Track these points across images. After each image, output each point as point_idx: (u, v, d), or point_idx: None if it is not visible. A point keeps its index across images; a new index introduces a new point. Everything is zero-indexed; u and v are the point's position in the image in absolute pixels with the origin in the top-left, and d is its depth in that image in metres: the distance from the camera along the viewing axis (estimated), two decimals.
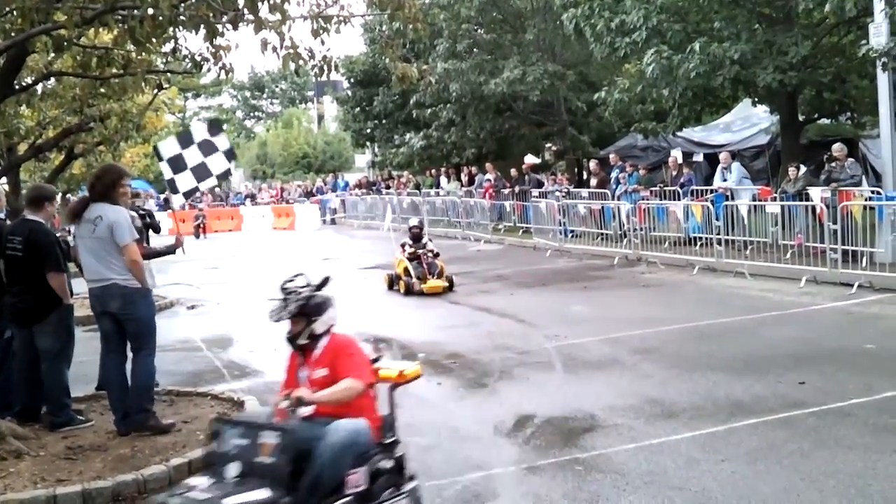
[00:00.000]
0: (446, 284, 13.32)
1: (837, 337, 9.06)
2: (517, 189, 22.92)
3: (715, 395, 6.99)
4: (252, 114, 74.21)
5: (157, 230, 15.39)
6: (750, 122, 22.03)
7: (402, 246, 14.28)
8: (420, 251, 13.94)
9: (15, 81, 7.36)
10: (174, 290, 14.83)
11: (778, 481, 5.10)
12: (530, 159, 25.53)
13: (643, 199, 17.37)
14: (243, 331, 11.17)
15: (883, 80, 13.10)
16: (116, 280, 6.38)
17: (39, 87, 10.80)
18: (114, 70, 8.04)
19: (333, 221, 33.81)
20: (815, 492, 4.92)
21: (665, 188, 17.94)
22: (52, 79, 10.56)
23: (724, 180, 16.45)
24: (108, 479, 5.45)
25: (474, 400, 7.33)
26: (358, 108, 34.89)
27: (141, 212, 12.12)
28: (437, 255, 13.97)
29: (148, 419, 6.46)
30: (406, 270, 13.67)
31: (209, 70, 7.88)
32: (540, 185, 22.66)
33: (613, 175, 19.85)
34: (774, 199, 14.47)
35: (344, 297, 13.77)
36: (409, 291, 13.23)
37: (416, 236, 14.37)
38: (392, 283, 13.98)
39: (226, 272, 18.66)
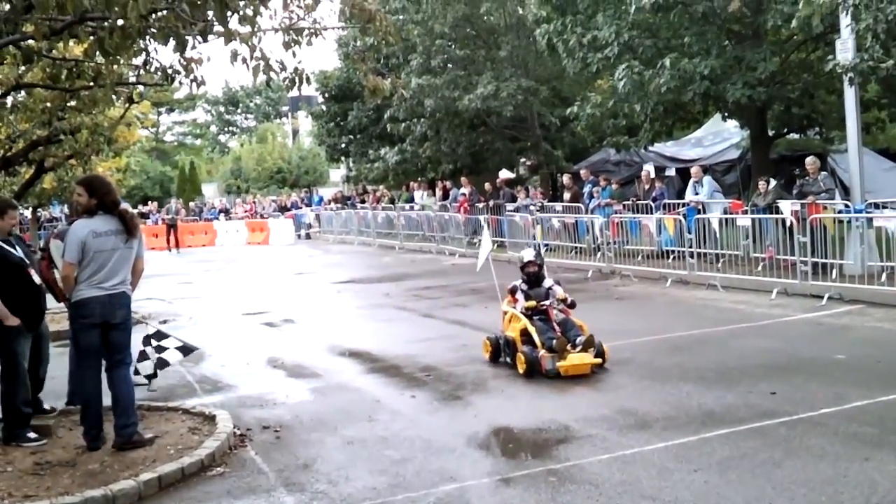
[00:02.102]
0: (597, 361, 8.30)
1: (808, 348, 9.15)
2: (492, 203, 22.97)
3: (687, 405, 7.02)
4: (226, 129, 73.92)
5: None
6: (721, 136, 22.29)
7: (513, 293, 9.28)
8: (544, 302, 8.89)
9: None
10: (147, 305, 14.69)
11: (749, 490, 5.13)
12: (504, 174, 25.62)
13: (616, 213, 17.48)
14: (216, 345, 11.06)
15: (850, 95, 13.32)
16: (125, 289, 6.48)
17: (9, 100, 10.70)
18: (84, 82, 7.99)
19: (308, 236, 33.71)
20: (786, 500, 4.95)
21: (638, 202, 18.07)
22: (23, 92, 10.48)
23: (696, 194, 16.60)
24: (77, 495, 5.37)
25: (448, 412, 7.31)
26: (332, 123, 34.85)
27: None
28: (572, 305, 9.00)
29: (133, 433, 6.40)
30: (526, 336, 8.55)
31: (180, 83, 7.86)
32: (514, 199, 22.73)
33: (586, 189, 19.97)
34: (745, 213, 14.63)
35: (318, 312, 13.79)
36: (535, 370, 8.17)
37: (534, 277, 9.19)
38: (498, 351, 8.92)
39: (199, 287, 18.50)
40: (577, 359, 8.16)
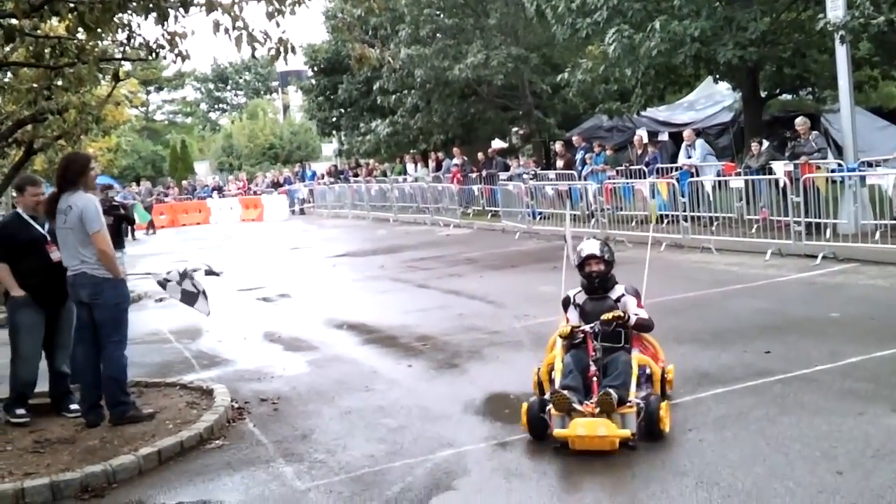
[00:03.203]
0: (623, 434, 5.25)
1: (802, 307, 9.17)
2: (484, 173, 22.93)
3: (682, 366, 7.03)
4: (216, 106, 73.43)
5: (131, 222, 15.30)
6: (713, 99, 22.21)
7: (566, 306, 6.49)
8: (584, 327, 6.00)
9: None
10: (142, 284, 14.65)
11: (745, 447, 5.16)
12: (497, 143, 25.55)
13: (609, 179, 17.45)
14: (212, 322, 11.04)
15: (841, 53, 13.24)
16: (85, 269, 6.37)
17: None
18: (67, 59, 7.91)
19: (302, 211, 33.65)
20: (781, 455, 4.98)
21: (631, 167, 18.03)
22: (8, 73, 10.38)
23: (689, 157, 16.58)
24: (77, 471, 5.39)
25: (445, 380, 7.34)
26: (322, 97, 34.66)
27: (115, 203, 11.99)
28: (641, 327, 6.12)
29: (127, 410, 6.41)
30: (549, 379, 6.02)
31: (165, 58, 7.80)
32: (506, 168, 22.68)
33: (579, 156, 19.92)
34: (739, 175, 14.60)
35: (314, 286, 13.80)
36: (540, 433, 5.52)
37: (598, 282, 6.27)
38: (541, 387, 6.17)
39: (194, 265, 18.42)
40: (586, 427, 5.18)
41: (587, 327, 5.89)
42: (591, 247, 6.27)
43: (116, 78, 9.70)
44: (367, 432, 6.02)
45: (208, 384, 7.30)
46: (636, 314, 6.02)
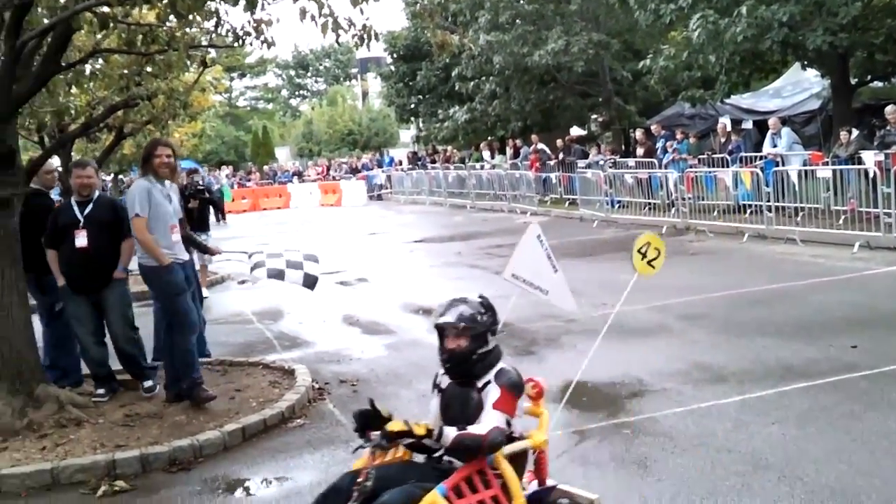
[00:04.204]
0: None
1: (891, 301, 8.87)
2: (563, 160, 22.76)
3: (764, 359, 6.91)
4: (297, 92, 74.64)
5: (217, 206, 15.71)
6: (800, 87, 21.52)
7: (434, 387, 4.14)
8: (373, 442, 3.58)
9: (62, 60, 7.50)
10: (226, 266, 15.05)
11: (829, 443, 5.05)
12: (576, 131, 25.33)
13: (691, 168, 17.13)
14: (293, 304, 11.31)
15: None
16: (138, 256, 6.56)
17: (88, 68, 10.99)
18: (158, 47, 8.15)
19: (380, 197, 33.96)
20: (866, 452, 4.86)
21: (713, 156, 17.66)
22: (100, 59, 10.74)
23: (774, 146, 16.13)
24: (165, 445, 5.61)
25: (521, 367, 7.18)
26: (401, 84, 34.87)
27: (200, 186, 12.32)
28: (467, 449, 3.54)
29: (192, 390, 6.53)
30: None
31: (251, 45, 7.96)
32: (585, 155, 22.47)
33: (660, 144, 19.60)
34: (826, 164, 14.16)
35: (391, 271, 13.94)
36: None
37: (453, 361, 3.89)
38: None
39: (275, 248, 18.84)
40: None
41: (371, 438, 3.57)
42: (450, 313, 3.87)
43: (204, 64, 9.95)
44: None
45: (290, 364, 7.47)
46: (461, 432, 3.49)
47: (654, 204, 17.57)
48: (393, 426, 3.49)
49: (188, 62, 9.58)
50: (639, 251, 4.69)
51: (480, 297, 3.95)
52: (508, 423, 3.70)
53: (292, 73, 73.13)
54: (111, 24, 7.24)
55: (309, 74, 73.81)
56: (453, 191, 27.82)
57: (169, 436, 5.83)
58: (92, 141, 14.52)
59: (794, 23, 14.47)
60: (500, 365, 3.86)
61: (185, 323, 6.56)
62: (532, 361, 7.48)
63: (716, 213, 15.76)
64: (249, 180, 38.70)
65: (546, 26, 24.41)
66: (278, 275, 7.82)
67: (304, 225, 24.90)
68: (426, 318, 9.71)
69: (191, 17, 7.00)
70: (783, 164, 15.02)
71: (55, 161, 8.38)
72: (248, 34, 7.71)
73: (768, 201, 14.02)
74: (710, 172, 16.41)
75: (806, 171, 14.19)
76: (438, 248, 16.87)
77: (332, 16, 6.36)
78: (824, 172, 13.67)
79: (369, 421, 3.62)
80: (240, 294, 12.67)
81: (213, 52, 10.84)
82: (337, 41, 6.98)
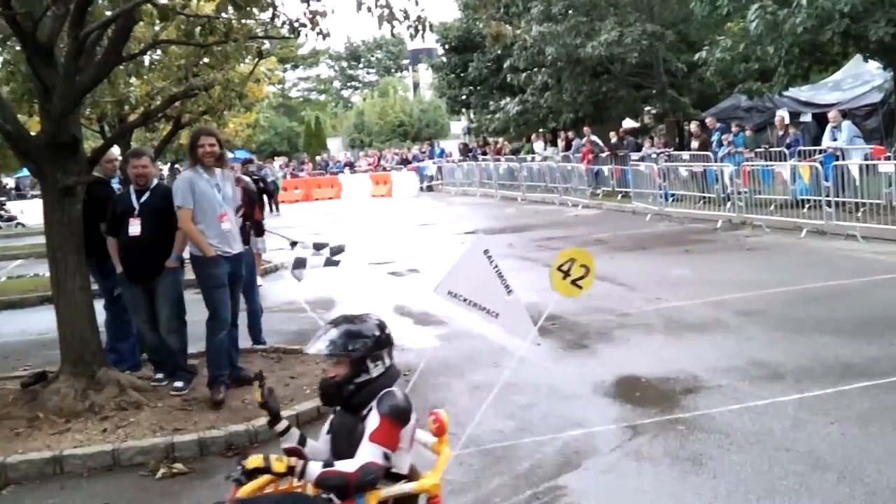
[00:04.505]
0: None
1: None
2: (616, 153, 22.54)
3: (823, 357, 6.77)
4: (349, 83, 75.14)
5: (270, 195, 15.89)
6: (861, 79, 20.95)
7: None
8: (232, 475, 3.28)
9: (123, 51, 7.64)
10: (279, 255, 15.23)
11: (891, 443, 4.93)
12: (628, 123, 25.07)
13: (747, 162, 16.83)
14: (345, 293, 11.42)
15: None
16: (189, 247, 6.63)
17: (147, 59, 11.20)
18: (216, 38, 8.26)
19: (430, 188, 34.03)
20: None
21: (770, 149, 17.32)
22: (159, 50, 10.93)
23: (834, 140, 15.76)
24: (222, 429, 5.70)
25: (574, 360, 7.31)
26: (453, 75, 34.89)
27: (254, 177, 12.49)
28: (334, 487, 3.21)
29: (210, 385, 6.51)
30: None
31: (306, 36, 8.03)
32: (638, 148, 22.23)
33: (715, 137, 19.29)
34: (888, 159, 13.79)
35: (442, 262, 13.94)
36: None
37: (328, 391, 3.50)
38: None
39: (327, 238, 19.00)
40: None
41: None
42: (322, 339, 3.42)
43: (260, 56, 10.04)
44: (497, 407, 6.07)
45: None
46: (325, 469, 3.18)
47: (709, 198, 17.30)
48: (250, 462, 3.14)
49: (244, 53, 9.71)
50: (559, 269, 4.08)
51: (373, 316, 3.48)
52: (387, 457, 3.22)
53: (344, 64, 73.64)
54: (171, 17, 7.38)
55: (361, 65, 74.25)
56: (504, 183, 27.74)
57: (225, 420, 5.93)
58: (150, 131, 14.79)
59: (855, 13, 14.09)
60: (390, 389, 3.35)
61: (217, 318, 6.55)
62: (584, 355, 7.43)
63: (772, 207, 15.46)
64: (302, 170, 39.08)
65: (599, 17, 24.18)
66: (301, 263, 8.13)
67: (356, 215, 25.07)
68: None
69: (248, 8, 7.09)
70: (843, 159, 14.67)
71: (116, 150, 8.53)
72: (304, 25, 7.78)
73: (828, 196, 13.71)
74: (767, 166, 16.11)
75: (867, 166, 13.84)
76: (489, 239, 16.62)
77: (388, 7, 6.37)
78: (886, 167, 13.31)
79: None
80: (293, 283, 12.76)
81: (267, 44, 10.94)
82: (392, 32, 6.99)
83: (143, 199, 6.87)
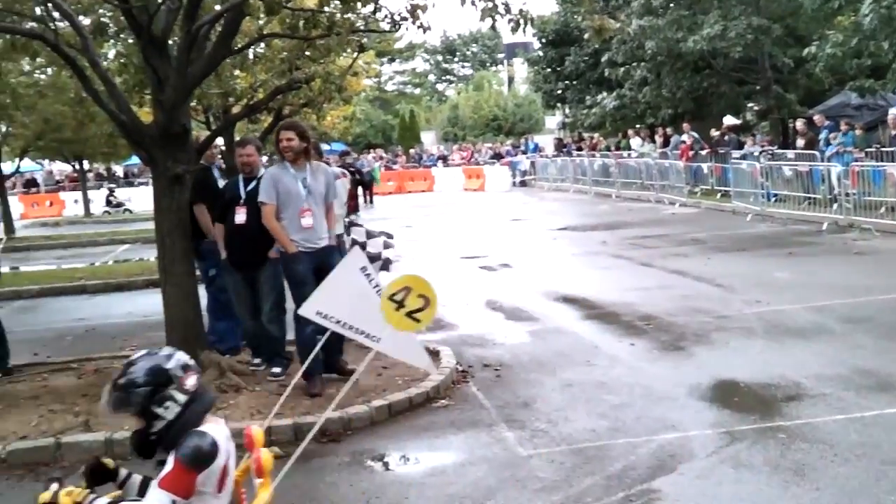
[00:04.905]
0: None
1: None
2: (716, 150, 21.97)
3: None
4: (444, 77, 75.46)
5: (366, 186, 16.10)
6: None
7: None
8: None
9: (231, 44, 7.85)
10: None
11: None
12: (729, 120, 24.37)
13: (857, 161, 16.15)
14: (436, 286, 11.44)
15: None
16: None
17: (251, 52, 11.48)
18: (319, 31, 8.40)
19: (524, 183, 33.88)
20: None
21: (882, 149, 16.57)
22: (263, 43, 11.20)
23: None
24: (317, 415, 5.80)
25: (669, 362, 7.16)
26: (549, 69, 34.62)
27: (351, 168, 12.69)
28: None
29: (309, 379, 6.44)
30: None
31: (406, 29, 8.07)
32: (740, 146, 21.60)
33: (823, 135, 18.57)
34: None
35: (534, 257, 13.89)
36: None
37: (135, 439, 3.11)
38: None
39: (419, 230, 19.20)
40: None
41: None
42: (101, 403, 3.07)
43: (361, 49, 10.17)
44: (589, 406, 6.02)
45: (434, 346, 7.56)
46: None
47: (815, 199, 16.67)
48: (41, 498, 2.90)
49: (345, 47, 9.85)
50: (391, 298, 3.57)
51: (144, 358, 3.03)
52: None
53: (440, 58, 73.97)
54: (276, 10, 7.54)
55: (456, 59, 74.47)
56: (598, 179, 27.39)
57: (320, 407, 6.03)
58: (252, 122, 15.17)
59: None
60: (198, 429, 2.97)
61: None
62: (680, 357, 7.27)
63: (883, 209, 14.79)
64: (395, 163, 39.49)
65: (702, 10, 23.57)
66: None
67: (448, 208, 25.18)
68: (570, 307, 9.65)
69: (352, 2, 7.19)
70: None
71: (217, 139, 8.81)
72: (405, 19, 7.83)
73: None
74: (878, 167, 15.41)
75: None
76: (582, 236, 16.67)
77: (491, 0, 6.36)
78: None
79: (98, 478, 3.09)
80: (385, 275, 12.94)
81: (364, 39, 11.09)
82: (493, 26, 6.98)
83: (250, 187, 7.00)
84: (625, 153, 27.69)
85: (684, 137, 23.84)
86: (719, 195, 20.47)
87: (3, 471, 5.40)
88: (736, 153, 20.55)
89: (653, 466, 4.90)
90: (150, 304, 10.63)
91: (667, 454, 5.08)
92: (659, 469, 4.86)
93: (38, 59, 13.83)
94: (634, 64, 26.34)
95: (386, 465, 5.26)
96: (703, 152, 22.76)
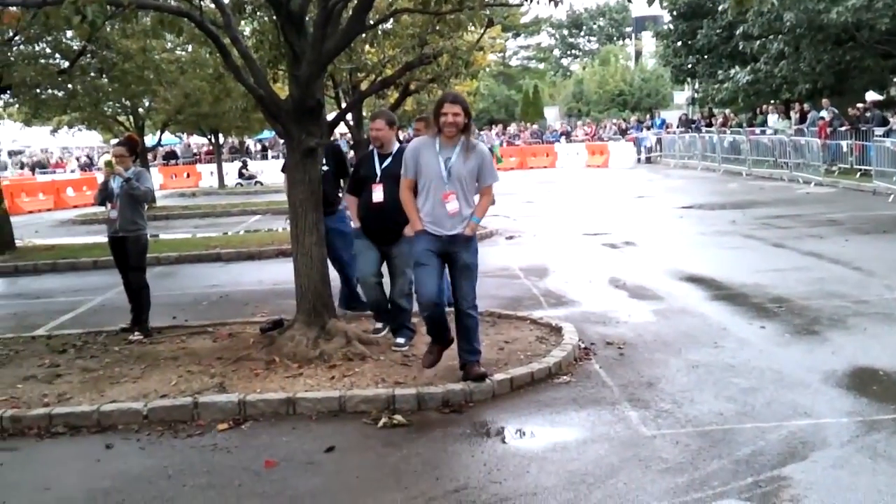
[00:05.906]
0: None
1: None
2: (861, 127, 20.84)
3: None
4: (569, 52, 74.36)
5: None
6: None
7: None
8: None
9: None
10: (493, 221, 15.48)
11: None
12: (871, 95, 23.11)
13: None
14: (558, 262, 11.42)
15: None
16: None
17: (380, 28, 11.65)
18: (450, 6, 8.43)
19: (649, 160, 33.16)
20: None
21: None
22: (392, 19, 11.34)
23: None
24: (440, 387, 5.90)
25: (801, 346, 6.89)
26: (679, 43, 33.57)
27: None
28: None
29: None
30: None
31: (538, 2, 7.99)
32: (884, 122, 20.41)
33: None
34: None
35: (659, 235, 13.61)
36: None
37: None
38: None
39: (541, 206, 19.11)
40: None
41: None
42: None
43: (490, 23, 10.15)
44: (716, 389, 5.87)
45: (556, 322, 7.54)
46: None
47: None
48: None
49: (475, 21, 9.85)
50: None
51: None
52: None
53: (565, 32, 72.87)
54: None
55: (582, 34, 73.22)
56: (728, 156, 26.49)
57: (443, 378, 6.13)
58: (380, 97, 15.42)
59: None
60: None
61: (417, 295, 6.33)
62: (814, 341, 6.99)
63: None
64: (518, 138, 39.31)
65: None
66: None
67: (570, 184, 24.92)
68: (697, 287, 9.42)
69: None
70: None
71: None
72: None
73: None
74: None
75: None
76: (710, 215, 16.19)
77: None
78: None
79: None
80: (507, 249, 12.97)
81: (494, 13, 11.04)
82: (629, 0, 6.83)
83: (385, 164, 7.06)
84: (758, 129, 26.63)
85: (823, 113, 22.75)
86: (859, 174, 19.47)
87: (144, 426, 5.73)
88: (879, 130, 19.45)
89: (783, 453, 4.74)
90: (279, 272, 11.04)
91: (798, 441, 4.90)
92: (790, 456, 4.70)
93: (181, 37, 14.47)
94: (771, 37, 25.23)
95: (506, 438, 5.29)
96: (843, 129, 21.65)
